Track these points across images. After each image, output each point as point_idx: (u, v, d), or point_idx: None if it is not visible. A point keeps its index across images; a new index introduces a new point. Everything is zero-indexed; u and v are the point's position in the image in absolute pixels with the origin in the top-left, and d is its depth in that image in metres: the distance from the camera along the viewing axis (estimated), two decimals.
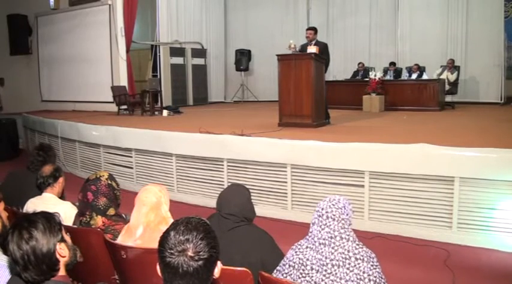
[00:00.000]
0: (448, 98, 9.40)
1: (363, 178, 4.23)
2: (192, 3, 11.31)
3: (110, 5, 9.45)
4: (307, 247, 1.86)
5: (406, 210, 4.06)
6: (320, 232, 1.82)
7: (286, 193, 4.67)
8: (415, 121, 6.98)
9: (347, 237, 1.79)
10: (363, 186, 4.24)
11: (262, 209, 4.57)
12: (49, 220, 1.59)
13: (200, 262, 1.26)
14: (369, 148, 4.25)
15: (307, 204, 4.53)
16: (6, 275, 1.66)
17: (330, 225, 1.81)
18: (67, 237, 1.64)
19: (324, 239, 1.80)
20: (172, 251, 1.26)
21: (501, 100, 9.50)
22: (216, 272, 1.33)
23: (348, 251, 1.75)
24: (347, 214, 1.87)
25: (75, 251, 1.66)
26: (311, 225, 1.89)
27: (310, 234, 1.88)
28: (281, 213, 4.62)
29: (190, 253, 1.25)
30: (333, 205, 1.86)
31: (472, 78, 9.94)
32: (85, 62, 9.95)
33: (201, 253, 1.26)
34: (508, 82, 9.61)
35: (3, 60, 11.36)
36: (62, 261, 1.58)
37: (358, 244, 1.79)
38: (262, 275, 1.72)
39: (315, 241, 1.82)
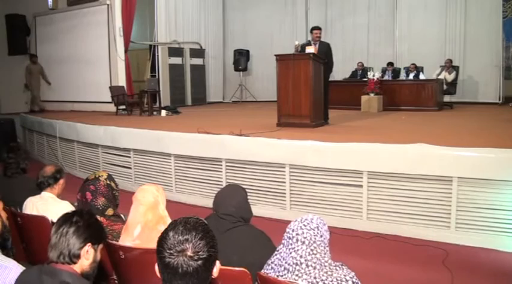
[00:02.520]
0: (447, 98, 9.42)
1: (361, 178, 4.23)
2: (191, 3, 11.30)
3: (108, 5, 9.43)
4: (272, 269, 1.73)
5: (404, 210, 4.07)
6: (288, 255, 1.66)
7: (284, 193, 4.67)
8: (414, 121, 6.99)
9: (313, 265, 1.60)
10: (361, 186, 4.24)
11: (261, 209, 4.58)
12: (101, 227, 1.77)
13: (199, 262, 1.26)
14: (367, 148, 4.26)
15: (305, 204, 4.53)
16: (6, 275, 1.67)
17: (298, 250, 1.63)
18: (99, 252, 1.73)
19: (288, 264, 1.64)
20: (171, 252, 1.26)
21: (499, 100, 9.51)
22: (215, 271, 1.34)
23: (315, 277, 1.57)
24: (321, 236, 1.68)
25: (95, 267, 1.70)
26: (281, 246, 1.75)
27: (277, 254, 1.74)
28: (279, 213, 4.62)
29: (189, 253, 1.26)
30: (305, 226, 1.69)
31: (470, 78, 9.96)
32: (83, 62, 9.93)
33: (200, 253, 1.26)
34: (506, 82, 9.65)
35: (1, 60, 11.32)
36: (82, 262, 1.63)
37: (326, 272, 1.60)
38: (261, 276, 1.72)
39: (281, 264, 1.68)
